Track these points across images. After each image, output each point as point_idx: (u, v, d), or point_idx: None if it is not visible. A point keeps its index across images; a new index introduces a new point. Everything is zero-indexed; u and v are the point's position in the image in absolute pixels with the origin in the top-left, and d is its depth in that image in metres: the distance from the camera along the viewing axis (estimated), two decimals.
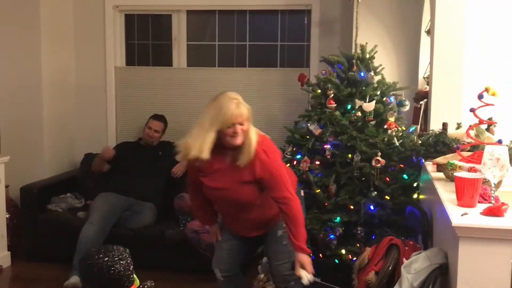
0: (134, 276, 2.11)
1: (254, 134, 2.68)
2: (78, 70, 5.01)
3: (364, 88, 3.60)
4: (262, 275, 3.57)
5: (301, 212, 2.74)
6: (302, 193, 3.20)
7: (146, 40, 5.14)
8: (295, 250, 2.71)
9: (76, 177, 4.73)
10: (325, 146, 3.54)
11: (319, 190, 3.51)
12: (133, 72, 5.08)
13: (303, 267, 2.69)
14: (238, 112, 2.62)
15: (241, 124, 2.62)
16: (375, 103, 3.53)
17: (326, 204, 3.49)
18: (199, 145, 2.59)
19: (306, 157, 3.59)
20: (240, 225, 2.90)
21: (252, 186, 2.72)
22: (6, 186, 4.28)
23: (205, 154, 2.59)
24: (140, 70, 5.10)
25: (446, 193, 2.33)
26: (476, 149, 2.64)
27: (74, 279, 3.69)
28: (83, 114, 5.02)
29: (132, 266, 2.09)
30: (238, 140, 2.62)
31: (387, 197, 3.42)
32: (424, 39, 3.95)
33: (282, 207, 2.69)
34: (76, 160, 4.97)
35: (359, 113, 3.53)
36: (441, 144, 2.90)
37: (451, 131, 3.07)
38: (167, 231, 4.03)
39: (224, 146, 2.68)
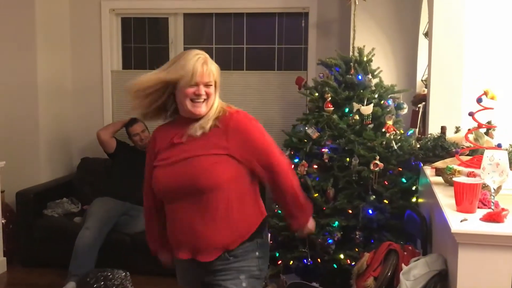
0: None
1: (218, 103, 2.02)
2: (74, 74, 4.98)
3: (362, 91, 3.58)
4: None
5: (296, 178, 2.09)
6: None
7: (143, 44, 5.12)
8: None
9: (73, 181, 4.70)
10: (323, 150, 3.51)
11: (317, 194, 3.48)
12: (130, 75, 4.96)
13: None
14: (206, 68, 1.94)
15: (206, 86, 1.96)
16: (373, 106, 3.51)
17: (324, 208, 3.46)
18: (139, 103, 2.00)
19: (304, 161, 3.56)
20: (192, 234, 1.96)
21: (224, 162, 1.94)
22: (2, 191, 4.25)
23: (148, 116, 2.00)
24: (137, 73, 4.96)
25: (445, 198, 2.30)
26: (475, 153, 2.61)
27: (71, 285, 3.64)
28: (79, 118, 4.99)
29: None
30: (202, 108, 1.95)
31: (385, 201, 3.40)
32: (422, 42, 3.94)
33: (274, 178, 1.97)
34: (72, 165, 4.94)
35: (357, 117, 3.51)
36: (440, 148, 2.87)
37: (450, 135, 3.04)
38: None
39: (182, 120, 2.02)
